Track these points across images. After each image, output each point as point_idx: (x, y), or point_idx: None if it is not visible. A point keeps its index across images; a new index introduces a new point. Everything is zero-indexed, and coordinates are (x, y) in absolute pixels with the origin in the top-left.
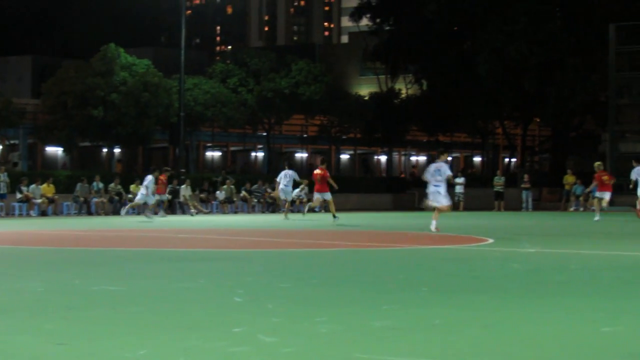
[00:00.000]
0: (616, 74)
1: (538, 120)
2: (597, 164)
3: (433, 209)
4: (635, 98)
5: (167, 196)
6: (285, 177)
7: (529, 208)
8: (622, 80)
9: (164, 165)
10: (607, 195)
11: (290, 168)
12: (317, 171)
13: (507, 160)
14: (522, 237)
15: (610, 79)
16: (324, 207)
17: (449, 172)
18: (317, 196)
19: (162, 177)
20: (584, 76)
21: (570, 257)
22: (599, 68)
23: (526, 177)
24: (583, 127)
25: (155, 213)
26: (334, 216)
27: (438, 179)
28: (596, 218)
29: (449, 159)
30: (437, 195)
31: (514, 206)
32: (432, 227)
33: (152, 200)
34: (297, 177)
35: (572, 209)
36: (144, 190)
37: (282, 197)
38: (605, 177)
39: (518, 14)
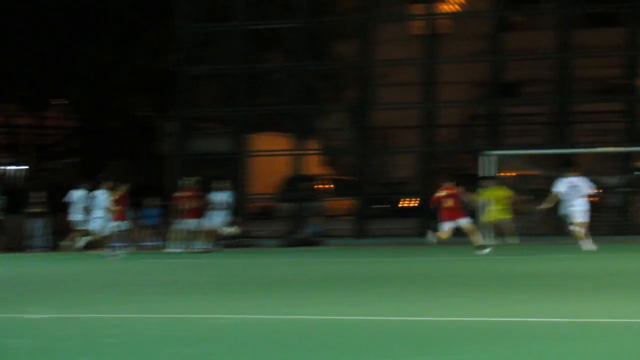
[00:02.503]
0: (188, 26)
1: (62, 102)
2: (187, 180)
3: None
4: (216, 66)
5: None
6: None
7: (40, 246)
8: (199, 37)
9: None
10: (192, 224)
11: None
12: (444, 192)
13: (7, 168)
14: (29, 296)
15: (179, 33)
16: None
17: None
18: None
19: None
20: (137, 32)
21: (104, 324)
22: (162, 19)
23: (40, 196)
24: (132, 114)
25: None
26: (482, 247)
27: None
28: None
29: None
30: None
31: (19, 242)
32: (590, 246)
33: None
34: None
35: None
36: None
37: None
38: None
39: None
